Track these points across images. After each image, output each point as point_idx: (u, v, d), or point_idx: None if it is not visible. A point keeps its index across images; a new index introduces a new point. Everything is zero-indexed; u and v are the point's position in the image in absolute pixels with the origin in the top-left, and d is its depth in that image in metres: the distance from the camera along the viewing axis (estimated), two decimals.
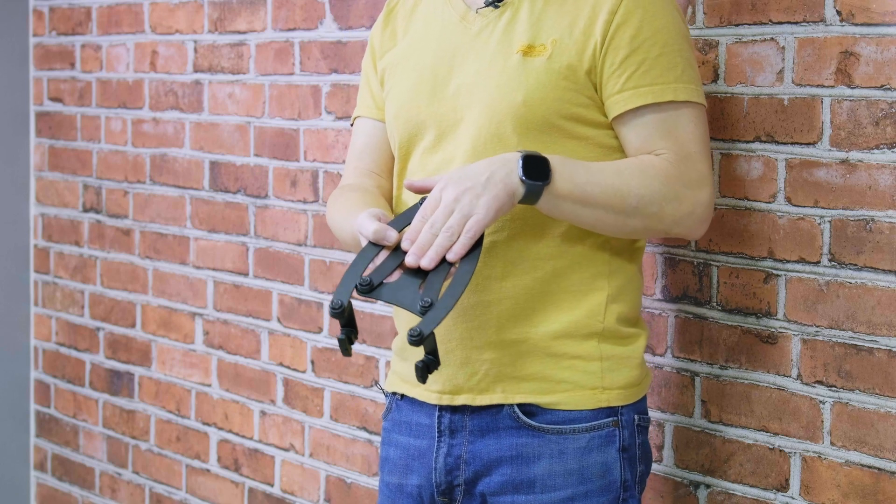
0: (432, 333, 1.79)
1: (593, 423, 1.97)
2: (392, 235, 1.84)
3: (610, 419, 1.98)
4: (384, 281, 1.83)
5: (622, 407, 1.99)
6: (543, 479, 1.96)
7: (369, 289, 1.82)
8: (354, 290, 1.82)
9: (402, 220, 1.88)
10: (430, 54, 2.03)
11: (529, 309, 1.96)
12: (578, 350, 1.97)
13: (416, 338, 1.76)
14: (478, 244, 1.82)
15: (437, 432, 2.01)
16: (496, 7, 1.99)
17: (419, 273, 1.82)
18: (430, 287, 1.80)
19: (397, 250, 1.84)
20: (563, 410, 1.97)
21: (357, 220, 1.88)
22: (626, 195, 1.88)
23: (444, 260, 1.81)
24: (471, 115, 1.96)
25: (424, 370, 1.81)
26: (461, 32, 2.01)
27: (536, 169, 1.84)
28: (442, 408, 2.01)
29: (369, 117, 2.17)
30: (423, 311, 1.78)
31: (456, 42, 2.01)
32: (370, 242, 1.85)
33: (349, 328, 1.85)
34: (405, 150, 2.06)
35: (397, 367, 2.10)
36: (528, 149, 1.92)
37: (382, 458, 2.12)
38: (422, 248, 1.81)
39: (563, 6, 1.95)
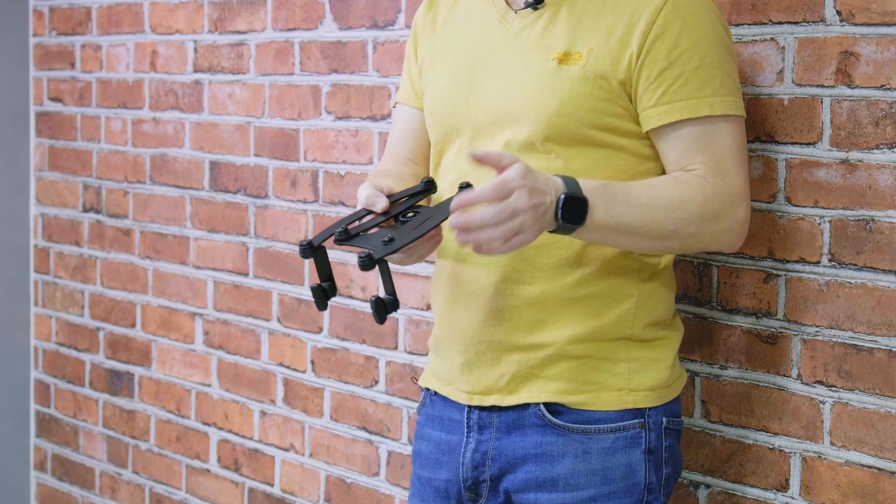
0: (386, 265, 1.81)
1: (619, 423, 1.97)
2: (381, 202, 1.90)
3: (636, 421, 1.98)
4: (360, 233, 1.89)
5: (650, 409, 1.99)
6: (567, 478, 1.97)
7: (345, 237, 1.88)
8: (332, 240, 1.88)
9: (401, 195, 1.93)
10: (469, 51, 2.03)
11: (556, 314, 1.96)
12: (606, 352, 1.97)
13: (365, 259, 1.79)
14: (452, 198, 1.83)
15: (466, 427, 2.03)
16: (535, 9, 1.98)
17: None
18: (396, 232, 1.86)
19: (384, 215, 1.91)
20: (589, 410, 1.97)
21: (359, 189, 1.95)
22: (664, 221, 1.87)
23: (416, 215, 1.86)
24: (504, 120, 1.96)
25: (380, 307, 1.81)
26: (500, 32, 2.01)
27: (574, 211, 1.80)
28: (472, 405, 2.03)
29: (408, 104, 2.18)
30: (384, 245, 1.82)
31: (494, 42, 2.01)
32: (363, 207, 1.92)
33: (329, 283, 1.90)
34: (440, 147, 2.07)
35: (433, 364, 2.11)
36: (561, 157, 1.92)
37: (415, 451, 2.13)
38: (468, 225, 1.74)
39: (601, 12, 1.94)
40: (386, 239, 1.81)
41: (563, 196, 1.78)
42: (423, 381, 2.14)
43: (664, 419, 2.00)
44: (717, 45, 1.93)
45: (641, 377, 1.98)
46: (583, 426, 1.97)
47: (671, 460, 2.02)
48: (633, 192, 1.87)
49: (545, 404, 1.98)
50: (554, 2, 1.97)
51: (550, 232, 1.81)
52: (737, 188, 1.92)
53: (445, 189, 2.03)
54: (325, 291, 1.91)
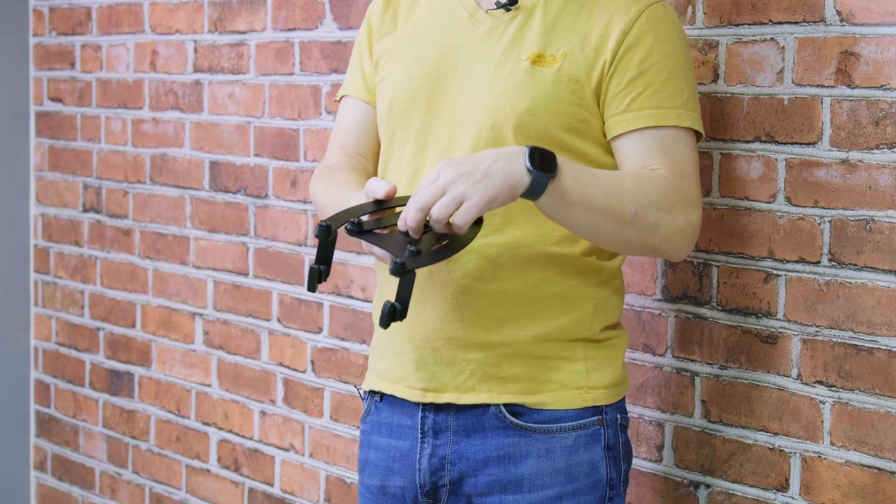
0: (413, 275, 1.77)
1: (579, 421, 1.97)
2: (384, 187, 1.85)
3: (595, 418, 1.98)
4: (374, 230, 1.84)
5: (606, 406, 1.99)
6: (531, 478, 1.96)
7: (358, 230, 1.83)
8: (345, 229, 1.83)
9: (400, 201, 1.89)
10: (434, 48, 2.02)
11: (518, 313, 1.96)
12: (564, 352, 1.97)
13: (399, 266, 1.74)
14: (477, 225, 1.81)
15: (421, 433, 2.01)
16: (508, 10, 1.98)
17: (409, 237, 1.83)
18: (421, 243, 1.81)
19: (387, 209, 1.86)
20: (550, 410, 1.97)
21: (368, 182, 1.88)
22: (627, 201, 1.86)
23: (436, 234, 1.81)
24: (472, 116, 1.95)
25: (391, 314, 1.78)
26: (468, 31, 2.00)
27: (543, 161, 1.79)
28: (425, 407, 2.00)
29: (358, 98, 2.16)
30: (411, 255, 1.77)
31: (462, 40, 2.00)
32: (374, 201, 1.86)
33: (326, 266, 1.86)
34: (392, 141, 2.05)
35: (376, 365, 2.08)
36: None
37: (362, 461, 2.10)
38: (412, 228, 1.81)
39: (576, 20, 1.95)
40: (414, 251, 1.77)
41: (528, 148, 1.78)
42: (367, 385, 2.10)
43: (618, 416, 2.01)
44: (685, 62, 1.96)
45: (598, 375, 1.99)
46: (545, 426, 1.97)
47: (627, 455, 2.04)
48: (598, 171, 1.88)
49: (505, 405, 1.97)
50: (527, 5, 1.97)
51: (523, 195, 1.78)
52: (692, 193, 1.94)
53: (402, 186, 1.99)
54: (320, 274, 1.86)
